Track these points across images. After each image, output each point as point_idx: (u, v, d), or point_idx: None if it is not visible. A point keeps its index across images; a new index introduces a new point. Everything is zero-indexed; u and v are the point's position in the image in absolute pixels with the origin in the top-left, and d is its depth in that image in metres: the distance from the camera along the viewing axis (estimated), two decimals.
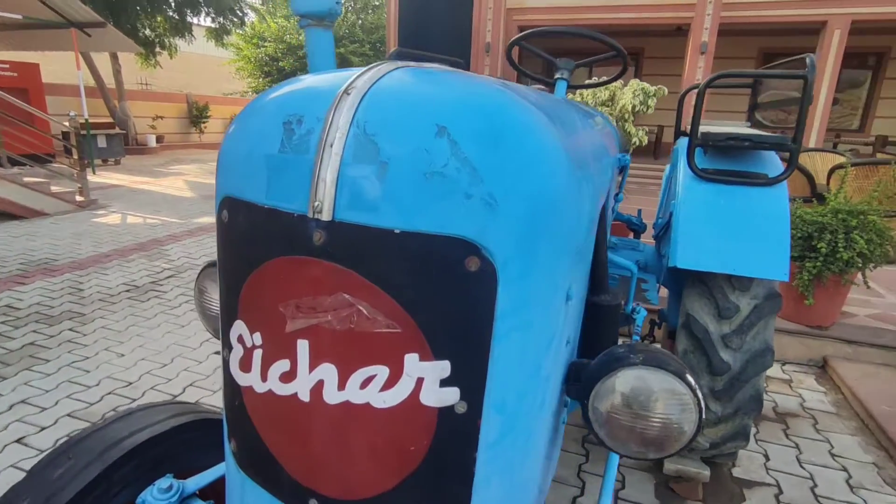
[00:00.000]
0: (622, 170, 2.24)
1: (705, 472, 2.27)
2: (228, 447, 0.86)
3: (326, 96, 0.65)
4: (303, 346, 0.68)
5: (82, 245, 5.83)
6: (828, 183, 5.90)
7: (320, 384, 0.68)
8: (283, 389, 0.71)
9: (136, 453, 1.27)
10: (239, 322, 0.75)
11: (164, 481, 1.28)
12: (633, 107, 4.70)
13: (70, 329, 3.74)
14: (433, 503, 0.69)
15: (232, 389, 0.80)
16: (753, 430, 2.76)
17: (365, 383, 0.66)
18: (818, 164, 6.69)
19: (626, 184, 2.93)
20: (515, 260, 0.61)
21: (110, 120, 12.98)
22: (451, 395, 0.64)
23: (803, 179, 5.72)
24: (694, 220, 1.94)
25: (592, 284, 1.34)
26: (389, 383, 0.65)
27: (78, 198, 7.66)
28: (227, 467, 0.89)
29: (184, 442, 1.40)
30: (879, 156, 9.26)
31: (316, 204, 0.62)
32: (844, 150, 6.90)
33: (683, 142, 2.37)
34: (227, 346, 0.79)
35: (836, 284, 3.36)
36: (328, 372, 0.67)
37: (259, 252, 0.69)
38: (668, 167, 2.98)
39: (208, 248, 5.84)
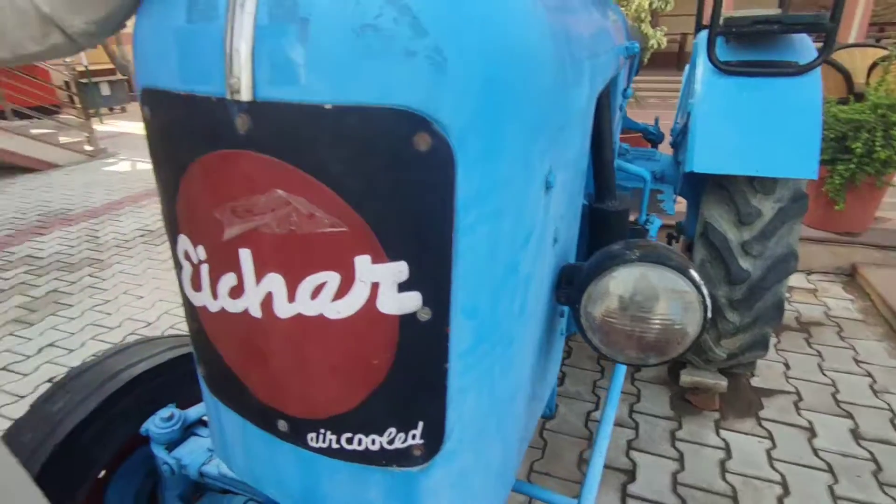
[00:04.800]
0: (631, 61, 2.02)
1: (722, 383, 2.23)
2: (199, 372, 0.82)
3: None
4: (245, 256, 0.60)
5: (95, 194, 5.85)
6: (867, 82, 5.42)
7: (269, 297, 0.60)
8: (234, 306, 0.64)
9: (135, 385, 1.27)
10: (182, 236, 0.68)
11: (165, 411, 1.28)
12: (651, 3, 4.01)
13: (90, 275, 3.81)
14: (406, 419, 0.63)
15: (191, 311, 0.74)
16: (774, 340, 2.69)
17: (315, 292, 0.58)
18: (857, 60, 6.12)
19: (641, 92, 2.71)
20: (475, 135, 0.51)
21: (111, 66, 12.62)
22: (412, 301, 0.56)
23: (838, 78, 5.20)
24: (713, 118, 1.77)
25: (597, 189, 1.22)
26: (342, 291, 0.57)
27: (87, 147, 7.61)
28: (203, 393, 0.85)
29: (182, 374, 1.39)
30: None
31: (232, 81, 0.51)
32: (888, 45, 6.29)
33: (704, 35, 2.14)
34: (178, 265, 0.72)
35: (870, 188, 3.15)
36: (275, 282, 0.59)
37: (185, 151, 0.60)
38: (686, 68, 2.74)
39: None
